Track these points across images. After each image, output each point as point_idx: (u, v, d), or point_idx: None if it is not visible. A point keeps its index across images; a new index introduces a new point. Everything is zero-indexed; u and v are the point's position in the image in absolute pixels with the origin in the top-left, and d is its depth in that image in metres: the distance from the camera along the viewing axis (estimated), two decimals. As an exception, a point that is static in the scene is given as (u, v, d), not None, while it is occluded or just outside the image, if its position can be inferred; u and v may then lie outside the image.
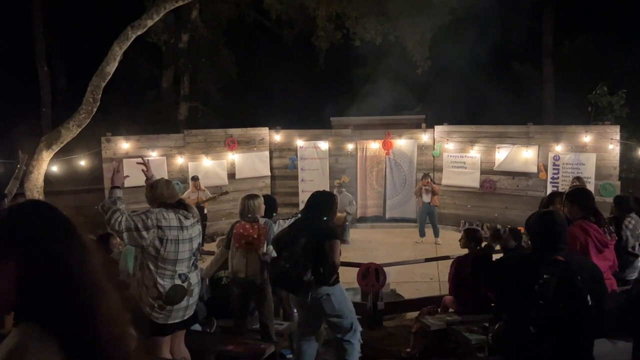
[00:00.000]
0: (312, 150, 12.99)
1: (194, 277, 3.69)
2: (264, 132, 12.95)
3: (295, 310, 4.89)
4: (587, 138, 10.97)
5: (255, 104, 17.60)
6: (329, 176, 12.88)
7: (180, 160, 11.85)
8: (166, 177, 11.24)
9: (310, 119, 14.27)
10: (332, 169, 12.94)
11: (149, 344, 3.74)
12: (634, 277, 4.44)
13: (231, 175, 12.42)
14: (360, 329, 4.21)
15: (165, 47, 15.69)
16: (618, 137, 10.87)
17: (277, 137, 12.97)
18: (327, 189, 12.37)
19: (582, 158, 10.98)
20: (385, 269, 6.54)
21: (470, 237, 4.99)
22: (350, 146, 12.98)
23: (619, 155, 10.89)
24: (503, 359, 3.17)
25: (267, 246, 4.66)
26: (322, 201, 4.23)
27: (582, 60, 16.87)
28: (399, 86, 15.28)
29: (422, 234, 11.50)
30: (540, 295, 2.83)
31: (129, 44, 10.25)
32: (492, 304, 4.04)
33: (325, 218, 4.11)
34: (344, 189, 11.86)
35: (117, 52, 10.20)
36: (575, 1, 16.45)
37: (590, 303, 2.84)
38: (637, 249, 4.43)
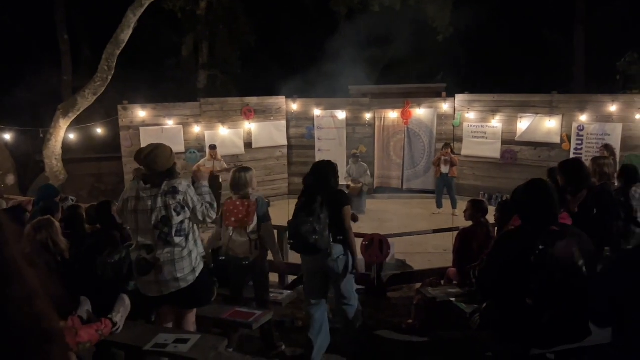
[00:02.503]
0: (330, 119, 12.83)
1: (165, 255, 3.49)
2: (280, 101, 12.82)
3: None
4: (613, 108, 10.53)
5: (274, 73, 17.44)
6: (346, 146, 12.73)
7: (196, 129, 11.84)
8: (183, 146, 11.54)
9: (330, 87, 14.05)
10: (349, 139, 12.78)
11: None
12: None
13: (248, 145, 12.39)
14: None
15: (182, 14, 15.54)
16: (646, 106, 10.40)
17: (294, 106, 12.83)
18: (344, 159, 12.41)
19: (608, 128, 10.56)
20: (394, 240, 6.47)
21: (476, 209, 4.84)
22: (368, 115, 12.76)
23: (646, 125, 10.43)
24: (494, 333, 3.06)
25: (256, 223, 4.55)
26: (325, 167, 4.36)
27: (615, 27, 16.10)
28: (419, 54, 14.88)
29: (439, 205, 11.32)
30: (537, 266, 2.73)
31: (142, 10, 10.18)
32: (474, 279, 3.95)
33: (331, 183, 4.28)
34: (360, 159, 11.72)
35: (132, 19, 10.15)
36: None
37: (586, 274, 2.74)
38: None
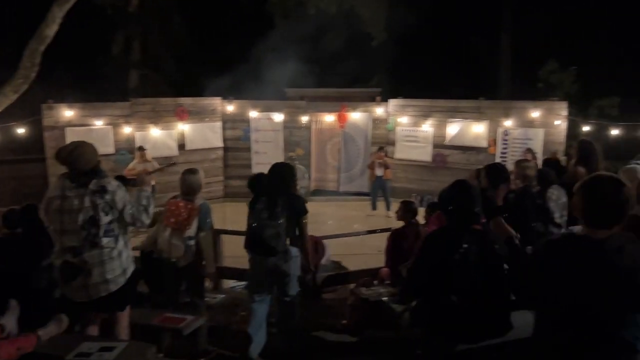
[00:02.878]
0: (266, 121, 12.77)
1: (93, 257, 3.35)
2: (216, 102, 12.62)
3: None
4: (535, 114, 11.15)
5: (209, 73, 17.15)
6: (283, 149, 12.71)
7: (127, 130, 11.43)
8: (113, 147, 11.10)
9: (266, 89, 13.99)
10: (286, 141, 12.77)
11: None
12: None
13: (181, 146, 12.11)
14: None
15: (112, 10, 14.99)
16: (565, 113, 11.09)
17: (230, 107, 12.66)
18: (282, 162, 12.36)
19: (530, 133, 11.17)
20: (329, 241, 6.52)
21: (406, 210, 4.98)
22: (304, 118, 12.81)
23: (565, 131, 11.11)
24: (424, 331, 3.16)
25: (196, 229, 4.47)
26: (285, 170, 4.38)
27: (538, 37, 17.05)
28: (354, 58, 15.13)
29: (374, 207, 11.55)
30: (461, 264, 2.83)
31: (69, 5, 9.69)
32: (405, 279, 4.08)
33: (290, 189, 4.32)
34: (297, 162, 11.73)
35: (57, 13, 9.64)
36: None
37: (506, 272, 2.87)
38: (558, 219, 4.54)
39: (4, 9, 15.59)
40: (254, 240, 4.18)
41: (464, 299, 2.80)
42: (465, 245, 2.81)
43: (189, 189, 4.55)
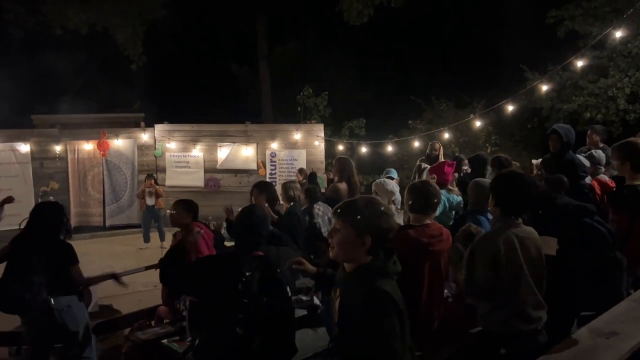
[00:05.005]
0: (9, 153, 11.12)
1: None
2: None
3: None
4: (297, 135, 11.96)
5: None
6: (33, 183, 11.18)
7: None
8: None
9: (7, 117, 12.14)
10: (36, 175, 11.31)
11: None
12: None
13: None
14: None
15: None
16: (322, 134, 12.15)
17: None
18: (32, 198, 10.81)
19: (295, 154, 11.93)
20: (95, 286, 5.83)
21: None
22: (58, 148, 11.48)
23: (324, 150, 12.17)
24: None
25: None
26: (49, 213, 4.11)
27: (292, 64, 18.45)
28: (113, 82, 14.21)
29: (146, 239, 10.89)
30: (244, 293, 2.72)
31: None
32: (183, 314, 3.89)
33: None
34: (51, 197, 10.38)
35: None
36: (283, 10, 17.83)
37: (289, 294, 2.88)
38: (325, 233, 4.92)
39: None
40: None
41: (250, 329, 2.70)
42: (247, 274, 2.72)
43: None
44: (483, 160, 5.76)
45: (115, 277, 4.28)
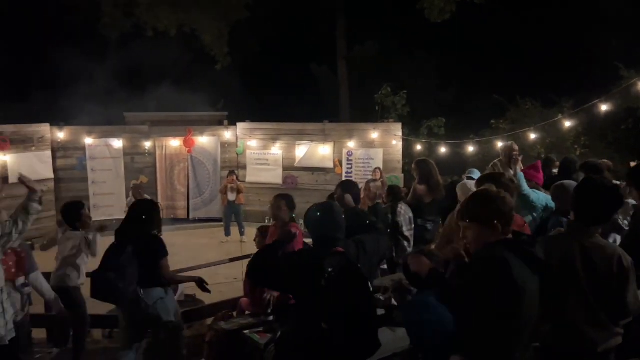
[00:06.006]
0: (104, 148, 11.86)
1: None
2: (44, 129, 11.37)
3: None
4: (375, 135, 11.90)
5: (36, 98, 15.45)
6: (125, 177, 11.88)
7: None
8: None
9: (103, 115, 13.00)
10: (127, 169, 11.98)
11: None
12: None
13: (4, 180, 10.63)
14: None
15: None
16: (400, 133, 12.00)
17: (61, 134, 11.50)
18: (123, 191, 11.52)
19: (372, 153, 11.88)
20: (181, 274, 6.12)
21: (264, 235, 4.87)
22: (147, 144, 12.13)
23: (401, 150, 12.02)
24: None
25: (28, 274, 3.98)
26: (144, 211, 4.27)
27: (371, 63, 18.36)
28: (199, 81, 14.81)
29: (227, 233, 11.28)
30: (328, 289, 2.76)
31: None
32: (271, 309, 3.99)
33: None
34: (146, 195, 10.99)
35: None
36: (363, 10, 17.81)
37: (371, 289, 2.88)
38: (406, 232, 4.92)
39: None
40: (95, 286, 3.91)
41: (334, 324, 2.73)
42: (330, 270, 2.75)
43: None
44: (571, 162, 5.56)
45: (200, 282, 4.41)
